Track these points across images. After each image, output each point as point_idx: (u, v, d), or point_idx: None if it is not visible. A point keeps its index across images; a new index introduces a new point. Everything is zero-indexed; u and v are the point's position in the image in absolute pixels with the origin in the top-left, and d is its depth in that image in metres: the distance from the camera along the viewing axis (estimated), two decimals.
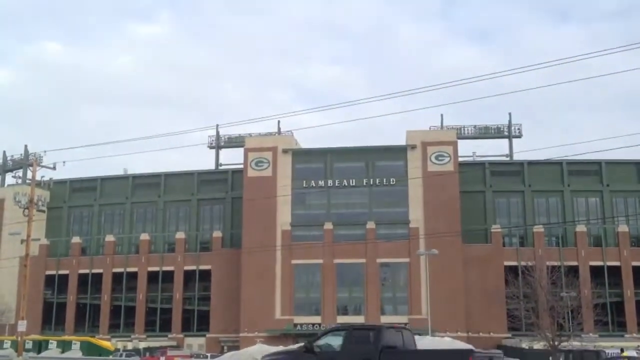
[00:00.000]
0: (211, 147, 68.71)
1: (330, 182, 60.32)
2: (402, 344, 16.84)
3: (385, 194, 59.88)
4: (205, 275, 63.48)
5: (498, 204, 61.85)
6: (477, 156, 64.07)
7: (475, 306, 55.49)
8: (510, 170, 63.19)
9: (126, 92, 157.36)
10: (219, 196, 66.43)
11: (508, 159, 64.19)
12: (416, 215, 58.19)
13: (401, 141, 61.49)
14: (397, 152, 60.35)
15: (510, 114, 65.31)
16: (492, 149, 69.94)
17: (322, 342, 16.95)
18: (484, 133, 64.96)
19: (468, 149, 65.09)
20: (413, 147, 59.18)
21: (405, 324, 54.90)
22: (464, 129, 64.58)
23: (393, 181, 59.24)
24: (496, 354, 19.02)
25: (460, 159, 60.73)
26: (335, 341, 16.71)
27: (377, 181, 59.66)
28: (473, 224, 59.17)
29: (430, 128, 63.41)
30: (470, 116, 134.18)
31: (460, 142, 61.66)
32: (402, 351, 16.54)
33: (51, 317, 66.60)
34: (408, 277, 57.40)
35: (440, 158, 58.84)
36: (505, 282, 53.32)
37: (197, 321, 62.77)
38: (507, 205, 62.08)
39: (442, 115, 63.73)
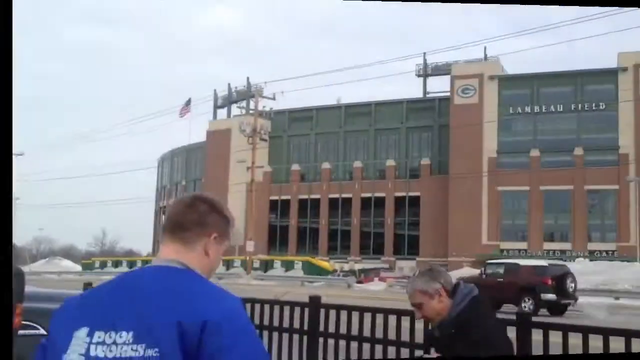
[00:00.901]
0: (419, 76, 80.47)
1: (537, 108, 69.71)
2: None
3: (594, 119, 67.72)
4: (415, 201, 76.36)
5: None
6: None
7: None
8: None
9: (337, 27, 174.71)
10: (426, 124, 78.44)
11: None
12: (626, 141, 65.37)
13: (611, 64, 68.08)
14: (608, 75, 67.42)
15: None
16: None
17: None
18: None
19: None
20: (624, 69, 65.80)
21: (614, 251, 65.42)
22: None
23: (602, 106, 66.86)
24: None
25: None
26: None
27: (586, 106, 67.59)
28: None
29: None
30: None
31: None
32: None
33: (275, 239, 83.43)
34: (617, 205, 65.69)
35: None
36: None
37: (407, 245, 76.20)
38: None
39: None
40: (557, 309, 26.31)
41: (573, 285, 26.89)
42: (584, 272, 35.60)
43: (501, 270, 28.57)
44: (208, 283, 2.16)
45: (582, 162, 67.32)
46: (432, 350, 3.90)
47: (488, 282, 26.46)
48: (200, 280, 2.14)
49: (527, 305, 25.59)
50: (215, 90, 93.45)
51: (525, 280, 26.62)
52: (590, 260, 50.36)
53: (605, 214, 67.68)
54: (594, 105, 68.04)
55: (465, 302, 3.59)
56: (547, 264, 30.07)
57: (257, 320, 7.44)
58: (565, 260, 49.88)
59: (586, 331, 5.00)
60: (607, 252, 64.86)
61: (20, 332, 4.63)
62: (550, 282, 26.35)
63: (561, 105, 68.96)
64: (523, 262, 31.36)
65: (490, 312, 3.88)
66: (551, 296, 26.02)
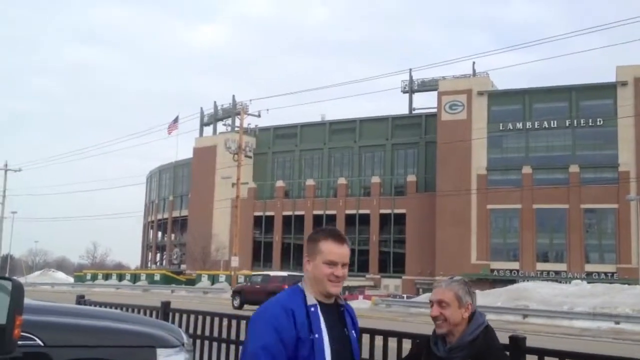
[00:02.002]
0: (404, 92, 70.40)
1: (528, 124, 58.99)
2: None
3: (590, 135, 57.21)
4: (400, 218, 66.07)
5: None
6: None
7: None
8: None
9: (322, 42, 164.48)
10: (412, 140, 68.07)
11: None
12: (626, 158, 55.04)
13: (608, 79, 58.02)
14: (605, 90, 57.00)
15: None
16: None
17: None
18: None
19: None
20: (624, 83, 55.51)
21: (613, 273, 53.61)
22: None
23: (600, 121, 56.37)
24: None
25: None
26: None
27: (582, 122, 57.07)
28: None
29: None
30: None
31: None
32: None
33: (260, 255, 73.75)
34: (616, 224, 54.92)
35: None
36: None
37: (392, 263, 65.89)
38: None
39: None
40: None
41: None
42: (581, 294, 31.11)
43: (259, 279, 34.27)
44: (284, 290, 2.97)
45: (578, 179, 56.45)
46: None
47: (249, 288, 33.51)
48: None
49: None
50: (201, 108, 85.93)
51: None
52: (588, 282, 39.31)
53: (604, 234, 56.44)
54: (590, 120, 57.51)
55: (480, 330, 3.06)
56: (287, 275, 35.03)
57: (243, 337, 5.47)
58: (560, 282, 42.54)
59: (584, 357, 3.79)
60: (605, 274, 53.67)
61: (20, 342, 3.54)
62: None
63: (555, 121, 58.34)
64: (273, 273, 37.21)
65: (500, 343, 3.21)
66: None
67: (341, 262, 2.87)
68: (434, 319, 3.05)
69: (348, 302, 3.07)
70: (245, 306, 30.47)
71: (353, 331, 2.95)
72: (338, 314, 2.94)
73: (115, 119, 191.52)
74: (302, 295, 2.85)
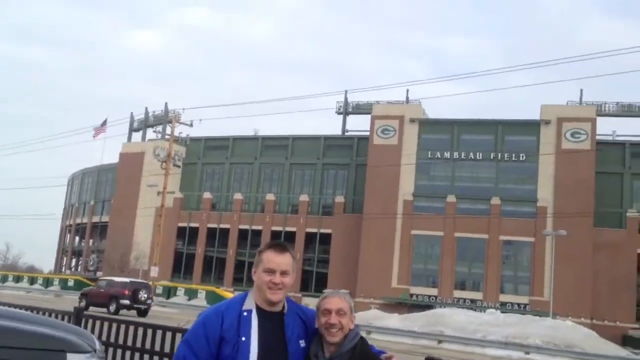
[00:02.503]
0: (339, 113, 70.81)
1: (456, 154, 60.63)
2: None
3: (513, 170, 59.25)
4: (326, 238, 66.23)
5: (637, 187, 59.10)
6: (617, 135, 61.83)
7: (602, 293, 54.11)
8: None
9: (260, 57, 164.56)
10: (343, 162, 68.58)
11: None
12: (545, 193, 57.25)
13: (533, 117, 60.34)
14: (530, 127, 59.22)
15: None
16: (636, 129, 67.07)
17: None
18: (627, 111, 61.95)
19: (608, 128, 62.91)
20: (547, 122, 57.90)
21: (526, 304, 55.43)
22: (604, 106, 61.96)
23: (523, 157, 58.56)
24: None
25: (598, 138, 58.57)
26: None
27: (506, 156, 59.11)
28: (607, 207, 57.18)
29: (567, 103, 61.59)
30: (611, 94, 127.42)
31: (600, 120, 59.33)
32: None
33: (180, 266, 72.18)
34: (532, 257, 56.85)
35: (576, 135, 57.34)
36: (638, 270, 51.83)
37: (315, 282, 65.70)
38: None
39: (581, 91, 61.42)
40: (133, 309, 32.30)
41: (145, 295, 33.75)
42: (495, 323, 31.95)
43: (104, 284, 35.74)
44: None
45: (499, 211, 58.31)
46: None
47: (94, 291, 35.45)
48: None
49: (113, 307, 32.05)
50: (132, 113, 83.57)
51: (115, 291, 33.41)
52: (502, 312, 40.64)
53: (520, 266, 58.52)
54: (514, 155, 59.63)
55: (357, 339, 3.19)
56: (129, 281, 35.99)
57: (157, 347, 5.76)
58: (475, 310, 43.14)
59: None
60: (519, 304, 55.46)
61: None
62: (127, 292, 33.11)
63: (481, 153, 60.17)
64: (117, 279, 37.09)
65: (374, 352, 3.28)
66: (126, 302, 32.56)
67: (279, 270, 3.09)
68: (330, 327, 3.12)
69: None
70: (91, 308, 31.26)
71: (302, 340, 3.13)
72: (279, 322, 3.09)
73: (44, 118, 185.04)
74: (242, 301, 3.12)
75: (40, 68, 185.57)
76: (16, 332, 3.93)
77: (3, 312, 4.50)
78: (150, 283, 50.41)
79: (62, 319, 6.68)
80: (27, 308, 7.09)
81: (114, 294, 33.45)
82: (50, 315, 6.76)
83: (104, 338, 6.13)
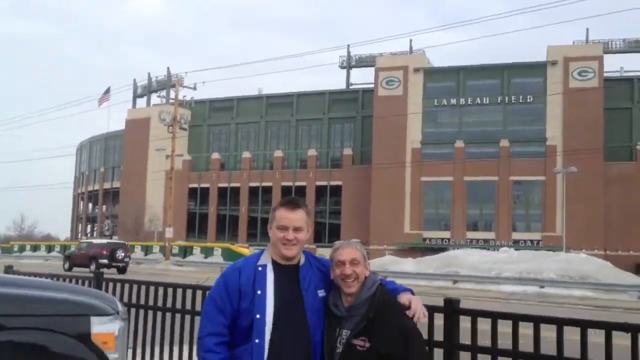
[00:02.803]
0: (342, 67, 70.28)
1: (462, 101, 60.20)
2: None
3: (521, 112, 58.85)
4: (336, 190, 66.61)
5: None
6: (624, 72, 61.03)
7: (615, 225, 54.30)
8: None
9: (262, 18, 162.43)
10: (349, 115, 68.35)
11: None
12: (554, 133, 56.92)
13: (540, 58, 59.37)
14: (536, 69, 58.58)
15: None
16: None
17: None
18: (634, 47, 61.03)
19: (615, 65, 62.35)
20: (554, 63, 57.16)
21: (539, 241, 55.82)
22: (611, 43, 60.99)
23: (530, 98, 58.07)
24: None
25: (605, 74, 57.82)
26: None
27: (513, 99, 58.67)
28: (616, 142, 56.88)
29: (573, 43, 60.55)
30: (618, 32, 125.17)
31: (607, 58, 58.41)
32: None
33: (194, 226, 73.15)
34: (543, 195, 56.98)
35: (583, 74, 56.61)
36: None
37: (328, 233, 66.28)
38: None
39: (587, 30, 60.67)
40: (112, 268, 33.98)
41: (122, 254, 35.99)
42: (509, 261, 31.77)
43: (84, 246, 38.65)
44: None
45: (508, 153, 58.21)
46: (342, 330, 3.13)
47: (76, 254, 37.62)
48: None
49: (93, 266, 32.82)
50: (134, 80, 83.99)
51: (94, 252, 35.83)
52: (515, 249, 40.61)
53: (531, 204, 58.57)
54: (521, 97, 59.16)
55: (375, 286, 3.16)
56: (106, 242, 40.07)
57: (178, 305, 5.76)
58: (489, 249, 43.82)
59: (516, 318, 3.68)
60: (531, 241, 55.92)
61: None
62: (105, 252, 35.55)
63: (487, 98, 59.80)
64: (96, 241, 41.55)
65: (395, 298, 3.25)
66: (104, 261, 34.64)
67: (292, 226, 3.13)
68: (346, 277, 3.12)
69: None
70: (75, 269, 33.98)
71: (320, 290, 3.19)
72: (295, 274, 3.16)
73: (47, 90, 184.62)
74: (258, 257, 3.22)
75: (39, 39, 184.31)
76: (40, 300, 3.98)
77: (25, 281, 4.56)
78: (166, 244, 51.52)
79: (83, 284, 6.76)
80: (47, 276, 7.18)
81: (94, 254, 35.69)
82: (70, 281, 6.85)
83: (125, 300, 6.22)
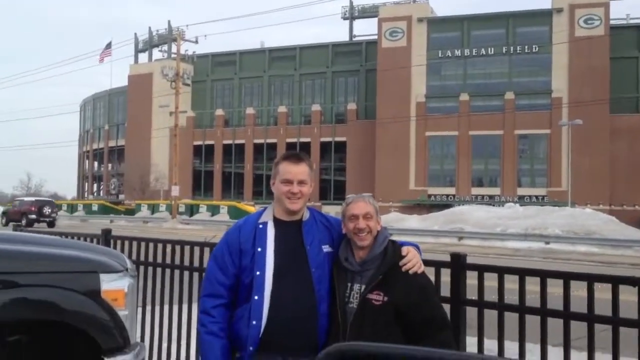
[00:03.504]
0: (345, 18, 69.35)
1: (467, 52, 59.39)
2: None
3: (526, 62, 57.98)
4: (341, 146, 66.37)
5: None
6: (631, 19, 59.95)
7: (620, 179, 53.99)
8: None
9: None
10: (353, 68, 67.57)
11: None
12: (560, 84, 56.24)
13: (546, 5, 58.42)
14: (541, 17, 57.49)
15: None
16: None
17: None
18: None
19: (622, 11, 61.17)
20: (559, 10, 56.09)
21: (544, 196, 55.78)
22: None
23: (535, 48, 57.17)
24: None
25: (612, 22, 56.71)
26: None
27: (518, 49, 57.74)
28: (623, 93, 56.02)
29: None
30: None
31: (613, 4, 56.92)
32: None
33: (200, 184, 73.33)
34: (548, 149, 56.62)
35: (589, 22, 55.65)
36: None
37: (333, 190, 66.54)
38: None
39: None
40: (41, 222, 39.02)
41: (49, 210, 41.23)
42: (514, 216, 32.00)
43: (17, 203, 44.10)
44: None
45: (513, 106, 57.81)
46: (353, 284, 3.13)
47: (12, 210, 42.61)
48: None
49: (24, 222, 33.79)
50: (135, 34, 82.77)
51: (24, 208, 40.72)
52: (521, 205, 40.73)
53: (536, 159, 58.21)
54: (526, 47, 58.27)
55: (387, 241, 3.18)
56: (34, 199, 45.40)
57: (187, 262, 5.79)
58: (494, 205, 43.99)
59: (522, 273, 3.67)
60: (537, 197, 55.76)
61: None
62: (33, 209, 40.57)
63: (492, 48, 58.81)
64: (27, 199, 46.66)
65: None
66: (33, 216, 39.34)
67: (296, 179, 3.11)
68: (359, 231, 3.11)
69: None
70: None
71: (325, 246, 3.18)
72: (298, 229, 3.15)
73: (47, 47, 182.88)
74: (260, 215, 3.22)
75: None
76: (49, 256, 4.00)
77: (34, 238, 4.58)
78: (172, 202, 51.73)
79: (91, 241, 6.79)
80: (55, 234, 7.23)
81: (24, 211, 40.62)
82: (79, 239, 6.89)
83: (133, 257, 6.25)
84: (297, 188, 3.11)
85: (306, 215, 3.21)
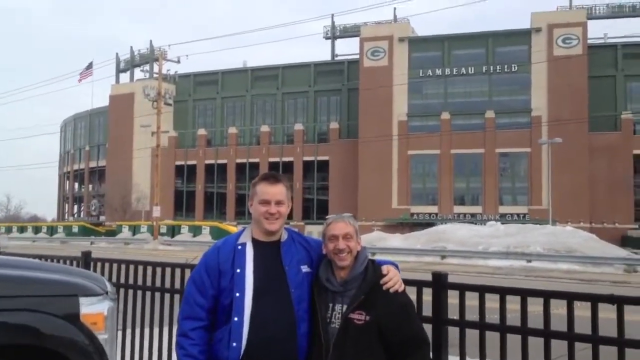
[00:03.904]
0: (327, 38, 69.83)
1: (447, 71, 60.13)
2: None
3: (506, 81, 58.84)
4: (324, 165, 66.49)
5: (630, 89, 58.69)
6: (608, 38, 61.10)
7: (600, 196, 54.74)
8: None
9: None
10: (335, 87, 68.00)
11: None
12: (539, 103, 57.04)
13: (525, 25, 59.48)
14: (520, 36, 58.51)
15: None
16: (627, 30, 66.25)
17: None
18: (618, 12, 61.05)
19: (599, 31, 62.31)
20: (538, 30, 57.11)
21: (525, 214, 56.17)
22: (594, 9, 61.04)
23: (515, 67, 58.08)
24: None
25: (589, 41, 57.90)
26: None
27: (498, 68, 58.66)
28: (601, 111, 56.92)
29: (557, 9, 60.71)
30: None
31: (591, 23, 58.47)
32: None
33: (182, 204, 72.85)
34: (529, 167, 57.26)
35: (567, 41, 56.66)
36: (634, 171, 52.24)
37: (316, 209, 66.41)
38: None
39: None
40: None
41: None
42: (496, 235, 32.09)
43: None
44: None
45: (494, 124, 58.34)
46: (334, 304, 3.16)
47: None
48: None
49: None
50: (117, 54, 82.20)
51: None
52: (502, 223, 40.93)
53: (517, 177, 58.75)
54: (506, 67, 59.26)
55: (367, 261, 3.19)
56: None
57: (167, 284, 5.78)
58: (476, 224, 44.42)
59: (503, 292, 3.71)
60: (518, 215, 56.00)
61: None
62: None
63: (472, 68, 59.71)
64: None
65: None
66: None
67: (274, 200, 3.15)
68: (339, 252, 3.13)
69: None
70: None
71: (304, 266, 3.19)
72: (277, 250, 3.16)
73: (27, 67, 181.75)
74: (239, 236, 3.23)
75: (12, 13, 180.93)
76: (27, 280, 3.95)
77: (13, 262, 4.52)
78: (153, 223, 51.46)
79: (71, 264, 6.73)
80: (35, 256, 7.15)
81: None
82: (58, 262, 6.82)
83: (114, 280, 6.20)
84: (275, 208, 3.13)
85: (284, 235, 3.22)
